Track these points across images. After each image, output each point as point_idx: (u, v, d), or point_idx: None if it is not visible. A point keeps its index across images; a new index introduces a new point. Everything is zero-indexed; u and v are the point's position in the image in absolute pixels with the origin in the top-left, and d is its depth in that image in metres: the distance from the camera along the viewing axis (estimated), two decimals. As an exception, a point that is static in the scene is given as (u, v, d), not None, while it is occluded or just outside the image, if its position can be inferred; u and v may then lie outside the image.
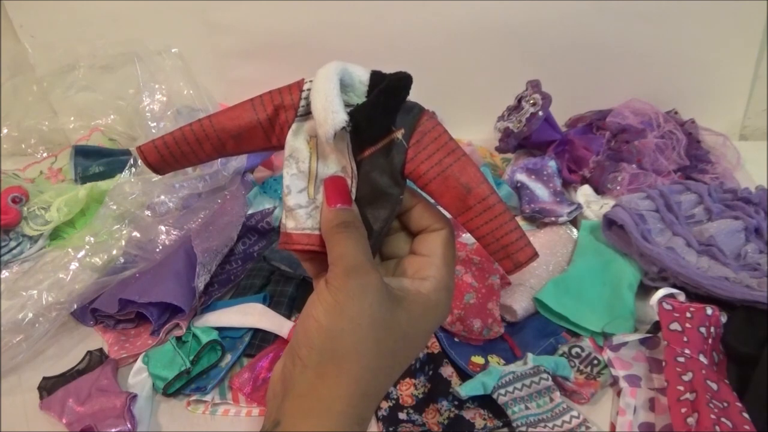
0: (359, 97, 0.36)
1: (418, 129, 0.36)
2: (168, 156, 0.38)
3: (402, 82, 0.35)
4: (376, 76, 0.36)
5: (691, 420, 0.55)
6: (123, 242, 0.80)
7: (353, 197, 0.37)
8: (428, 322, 0.37)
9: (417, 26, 1.02)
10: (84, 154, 1.01)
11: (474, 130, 1.04)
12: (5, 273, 0.84)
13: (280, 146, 0.38)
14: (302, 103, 0.37)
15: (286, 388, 0.34)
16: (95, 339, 0.76)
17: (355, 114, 0.34)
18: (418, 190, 0.38)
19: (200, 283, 0.74)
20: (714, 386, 0.58)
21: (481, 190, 0.35)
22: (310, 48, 1.03)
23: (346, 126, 0.34)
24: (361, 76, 0.36)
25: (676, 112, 1.02)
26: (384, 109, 0.35)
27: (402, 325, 0.34)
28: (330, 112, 0.34)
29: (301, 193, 0.37)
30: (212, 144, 0.38)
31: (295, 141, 0.37)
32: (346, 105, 0.35)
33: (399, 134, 0.36)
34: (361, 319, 0.33)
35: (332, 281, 0.34)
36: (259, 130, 0.37)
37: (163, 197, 0.85)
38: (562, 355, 0.67)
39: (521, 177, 0.92)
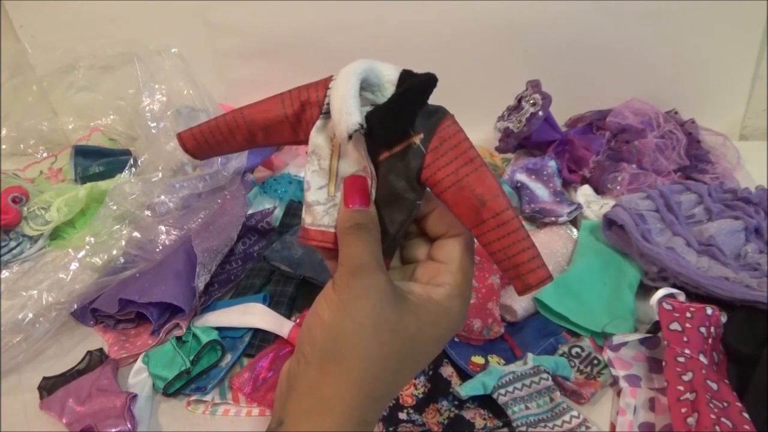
0: (386, 98, 0.35)
1: (439, 134, 0.34)
2: (204, 143, 0.39)
3: (423, 86, 0.34)
4: (406, 76, 0.35)
5: (691, 420, 0.55)
6: (123, 242, 0.80)
7: (373, 198, 0.36)
8: (439, 328, 0.36)
9: (417, 26, 1.02)
10: (84, 154, 1.01)
11: (474, 130, 1.02)
12: (5, 273, 0.84)
13: (308, 141, 0.38)
14: (327, 100, 0.36)
15: (290, 386, 0.34)
16: (95, 339, 0.76)
17: (370, 117, 0.34)
18: None
19: (200, 283, 0.74)
20: (714, 386, 0.58)
21: (496, 204, 0.33)
22: (310, 48, 1.03)
23: (359, 128, 0.33)
24: (390, 75, 0.35)
25: (676, 112, 1.02)
26: (401, 113, 0.34)
27: (410, 330, 0.34)
28: (344, 113, 0.33)
29: (320, 189, 0.37)
30: (243, 135, 0.38)
31: (318, 138, 0.37)
32: (372, 105, 0.35)
33: (417, 139, 0.35)
34: (364, 319, 0.33)
35: (338, 280, 0.34)
36: (287, 124, 0.37)
37: (163, 197, 0.85)
38: (562, 355, 0.67)
39: (521, 177, 0.92)
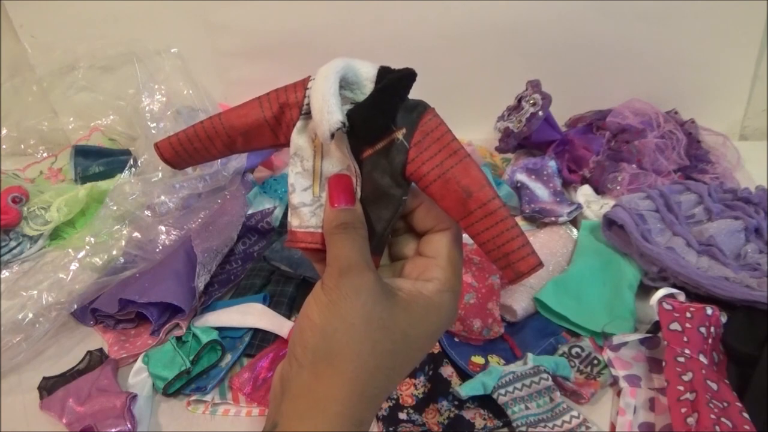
0: (366, 95, 0.35)
1: (421, 128, 0.34)
2: (182, 152, 0.38)
3: (402, 81, 0.34)
4: (384, 72, 0.35)
5: (691, 420, 0.55)
6: (123, 242, 0.80)
7: (358, 196, 0.36)
8: (431, 323, 0.36)
9: (417, 26, 1.02)
10: (84, 154, 1.01)
11: (474, 130, 1.04)
12: (5, 273, 0.84)
13: (289, 144, 0.38)
14: (306, 101, 0.36)
15: (284, 388, 0.34)
16: (95, 339, 0.76)
17: (351, 114, 0.34)
18: None
19: (200, 283, 0.74)
20: (714, 386, 0.58)
21: (483, 194, 0.33)
22: (309, 48, 1.03)
23: (341, 127, 0.33)
24: (368, 73, 0.35)
25: (676, 112, 1.02)
26: (381, 108, 0.34)
27: (401, 326, 0.34)
28: (325, 112, 0.33)
29: (305, 191, 0.37)
30: (222, 141, 0.38)
31: (300, 139, 0.37)
32: (352, 103, 0.35)
33: (400, 134, 0.35)
34: (354, 319, 0.33)
35: (326, 281, 0.34)
36: (266, 128, 0.37)
37: (163, 197, 0.85)
38: (562, 355, 0.67)
39: (521, 177, 0.92)
